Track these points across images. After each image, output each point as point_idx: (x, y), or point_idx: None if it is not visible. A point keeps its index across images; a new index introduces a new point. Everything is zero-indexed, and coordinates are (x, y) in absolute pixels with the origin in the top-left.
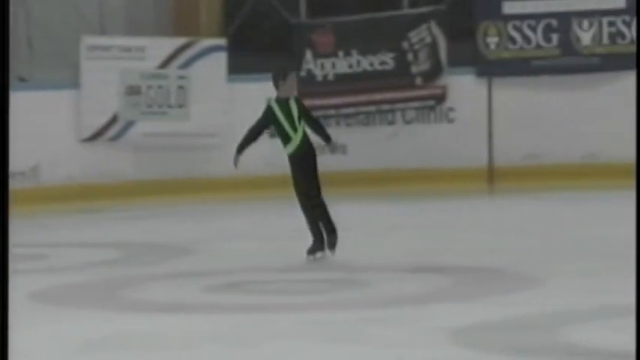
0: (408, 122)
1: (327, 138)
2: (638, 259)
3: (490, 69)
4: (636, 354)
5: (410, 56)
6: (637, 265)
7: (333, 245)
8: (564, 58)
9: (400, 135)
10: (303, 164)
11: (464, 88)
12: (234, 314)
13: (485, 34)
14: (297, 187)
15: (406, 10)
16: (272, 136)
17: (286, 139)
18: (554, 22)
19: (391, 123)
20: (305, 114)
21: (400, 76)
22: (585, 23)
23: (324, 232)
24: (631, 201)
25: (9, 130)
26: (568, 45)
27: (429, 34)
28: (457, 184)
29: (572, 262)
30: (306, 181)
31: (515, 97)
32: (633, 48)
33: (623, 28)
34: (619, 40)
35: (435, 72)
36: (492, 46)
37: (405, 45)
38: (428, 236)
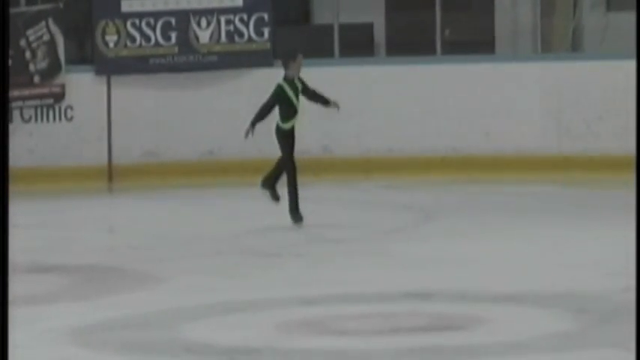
0: (27, 121)
1: (327, 102)
2: (637, 256)
3: (109, 67)
4: (636, 354)
5: (28, 54)
6: (637, 263)
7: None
8: (182, 56)
9: (18, 134)
10: (293, 140)
11: (83, 86)
12: None
13: (104, 33)
14: (292, 159)
15: (24, 8)
16: None
17: (291, 116)
18: (172, 21)
19: (9, 122)
20: (305, 90)
21: (18, 74)
22: (203, 21)
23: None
24: (245, 197)
25: (8, 130)
26: (186, 43)
27: (47, 31)
28: (77, 182)
29: (190, 259)
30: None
31: (134, 95)
32: (250, 46)
33: (241, 27)
34: (237, 39)
35: (53, 70)
36: (111, 45)
37: (23, 43)
38: (44, 236)
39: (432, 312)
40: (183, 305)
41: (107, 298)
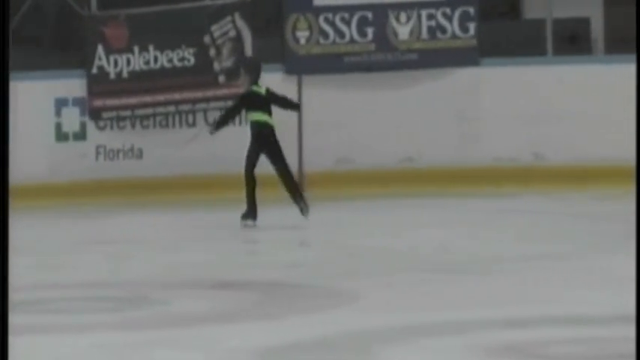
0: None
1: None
2: (638, 257)
3: (300, 65)
4: (636, 354)
5: (212, 52)
6: (637, 266)
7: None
8: (380, 53)
9: (201, 138)
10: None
11: (272, 85)
12: (14, 336)
13: (295, 28)
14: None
15: (208, 2)
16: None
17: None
18: (369, 15)
19: (192, 125)
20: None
21: (202, 74)
22: (403, 16)
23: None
24: (448, 208)
25: (9, 130)
26: (384, 40)
27: (234, 27)
28: (264, 190)
29: (385, 276)
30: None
31: (327, 96)
32: (454, 43)
33: (444, 22)
34: (439, 35)
35: (239, 69)
36: (302, 41)
37: (207, 39)
38: (228, 249)
39: None
40: (377, 326)
41: (295, 317)
